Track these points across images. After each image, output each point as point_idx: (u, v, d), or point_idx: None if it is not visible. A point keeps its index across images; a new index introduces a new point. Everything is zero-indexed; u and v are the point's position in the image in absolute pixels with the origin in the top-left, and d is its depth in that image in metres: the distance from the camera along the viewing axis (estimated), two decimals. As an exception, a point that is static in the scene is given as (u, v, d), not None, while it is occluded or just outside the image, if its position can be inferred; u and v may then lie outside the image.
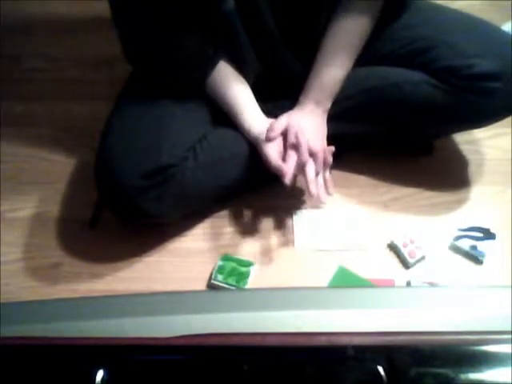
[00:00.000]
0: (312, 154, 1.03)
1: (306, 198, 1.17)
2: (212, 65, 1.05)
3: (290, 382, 0.47)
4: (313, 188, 1.01)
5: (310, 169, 1.02)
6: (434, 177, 1.21)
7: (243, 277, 1.05)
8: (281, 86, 1.13)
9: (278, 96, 1.14)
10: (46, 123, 1.36)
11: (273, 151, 1.02)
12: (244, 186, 1.13)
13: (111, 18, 0.98)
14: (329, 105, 1.09)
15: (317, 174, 1.04)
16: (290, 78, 1.12)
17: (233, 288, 1.04)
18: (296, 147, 1.02)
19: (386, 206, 1.18)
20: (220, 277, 1.05)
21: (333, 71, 1.07)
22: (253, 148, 1.07)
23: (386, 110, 1.11)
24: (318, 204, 1.12)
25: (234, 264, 1.07)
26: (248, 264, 1.07)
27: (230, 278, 1.05)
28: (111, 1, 0.97)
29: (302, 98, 1.09)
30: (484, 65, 1.01)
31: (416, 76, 1.07)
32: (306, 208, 1.17)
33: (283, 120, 1.06)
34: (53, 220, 1.18)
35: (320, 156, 1.03)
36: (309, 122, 1.07)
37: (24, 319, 0.54)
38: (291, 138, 1.03)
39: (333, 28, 1.04)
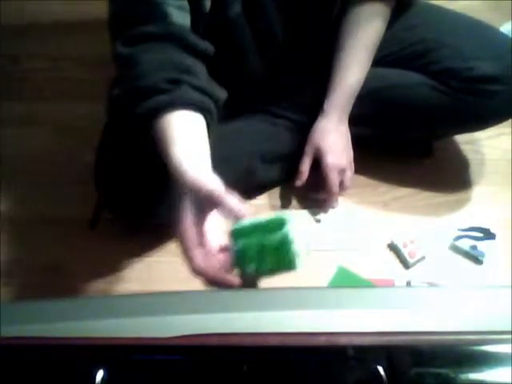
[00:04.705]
0: (342, 170, 1.08)
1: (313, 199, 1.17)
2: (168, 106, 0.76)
3: (290, 382, 0.47)
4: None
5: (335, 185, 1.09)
6: (434, 177, 1.21)
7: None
8: (283, 89, 1.12)
9: (279, 98, 1.14)
10: (46, 123, 1.36)
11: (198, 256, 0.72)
12: (243, 189, 1.13)
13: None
14: (350, 108, 1.08)
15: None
16: (294, 80, 1.11)
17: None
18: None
19: (385, 205, 1.18)
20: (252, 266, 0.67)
21: (355, 71, 1.05)
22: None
23: (385, 111, 1.11)
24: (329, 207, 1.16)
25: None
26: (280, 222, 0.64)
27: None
28: None
29: (327, 106, 1.06)
30: (484, 67, 1.01)
31: (415, 78, 1.06)
32: (306, 208, 1.17)
33: (307, 159, 1.09)
34: (53, 220, 1.18)
35: (349, 172, 1.10)
36: (337, 139, 1.07)
37: (24, 319, 0.54)
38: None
39: (350, 27, 1.03)
